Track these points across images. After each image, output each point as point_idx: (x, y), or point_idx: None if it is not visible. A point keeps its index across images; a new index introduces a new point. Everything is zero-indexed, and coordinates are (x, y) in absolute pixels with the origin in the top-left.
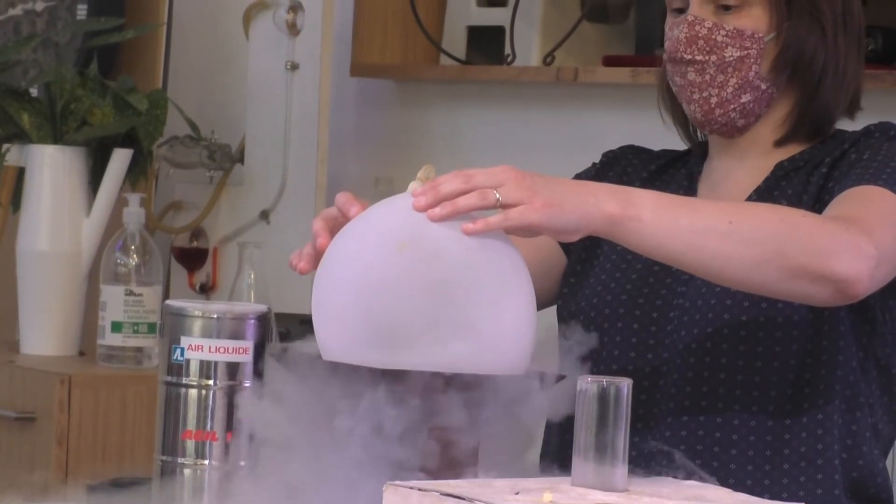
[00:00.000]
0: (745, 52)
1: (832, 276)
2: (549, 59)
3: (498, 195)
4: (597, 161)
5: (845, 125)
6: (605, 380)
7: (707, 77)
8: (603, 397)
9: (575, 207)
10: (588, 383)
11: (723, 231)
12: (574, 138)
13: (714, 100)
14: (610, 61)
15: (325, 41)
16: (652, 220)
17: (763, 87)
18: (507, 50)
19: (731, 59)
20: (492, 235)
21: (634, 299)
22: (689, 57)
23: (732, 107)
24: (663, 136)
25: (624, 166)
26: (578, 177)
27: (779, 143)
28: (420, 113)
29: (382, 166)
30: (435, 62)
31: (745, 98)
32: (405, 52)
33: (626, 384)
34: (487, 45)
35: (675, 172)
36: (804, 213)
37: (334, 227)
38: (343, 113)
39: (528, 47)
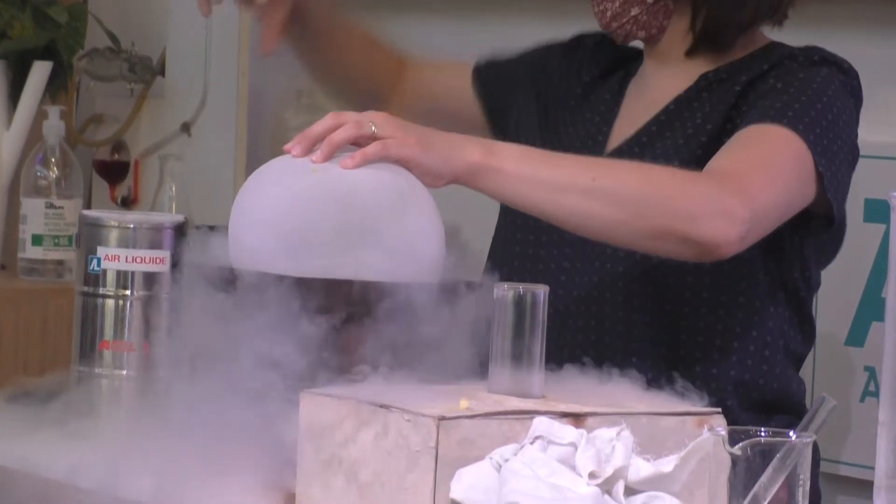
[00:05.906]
0: None
1: (696, 239)
2: None
3: (374, 127)
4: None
5: (777, 35)
6: (521, 287)
7: None
8: (519, 304)
9: (441, 151)
10: (504, 290)
11: (583, 187)
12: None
13: (609, 13)
14: None
15: None
16: (513, 170)
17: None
18: None
19: None
20: (391, 166)
21: None
22: None
23: (625, 20)
24: None
25: (580, 59)
26: (549, 45)
27: (689, 54)
28: None
29: (305, 78)
30: None
31: (634, 11)
32: None
33: (542, 291)
34: None
35: (613, 76)
36: (673, 173)
37: None
38: None
39: None
